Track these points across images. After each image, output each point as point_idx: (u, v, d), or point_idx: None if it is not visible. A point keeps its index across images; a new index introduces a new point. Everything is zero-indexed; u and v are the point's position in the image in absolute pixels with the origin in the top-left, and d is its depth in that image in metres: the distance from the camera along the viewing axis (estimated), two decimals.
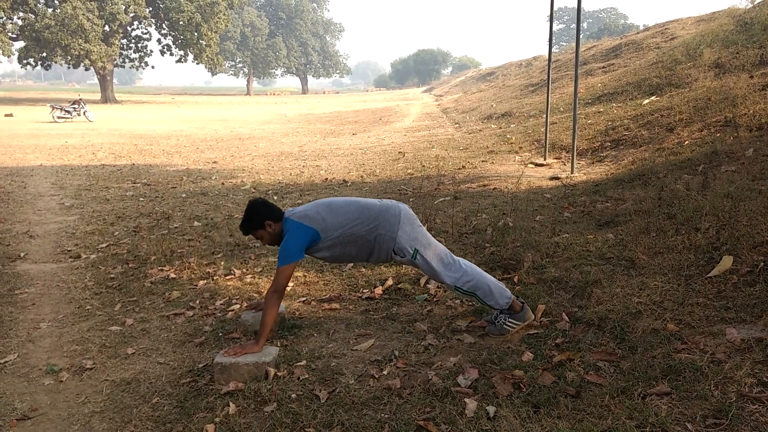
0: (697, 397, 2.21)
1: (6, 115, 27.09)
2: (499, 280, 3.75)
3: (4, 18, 38.58)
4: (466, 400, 2.42)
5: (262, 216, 3.09)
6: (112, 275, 4.72)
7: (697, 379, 2.33)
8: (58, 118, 24.53)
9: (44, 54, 40.41)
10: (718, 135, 6.63)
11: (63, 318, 3.89)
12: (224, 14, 45.71)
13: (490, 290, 3.04)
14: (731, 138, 6.27)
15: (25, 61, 41.12)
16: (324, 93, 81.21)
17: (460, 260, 3.15)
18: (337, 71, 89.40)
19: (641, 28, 29.83)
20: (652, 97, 10.55)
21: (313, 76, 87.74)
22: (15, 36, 39.68)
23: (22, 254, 5.44)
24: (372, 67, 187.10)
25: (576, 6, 7.81)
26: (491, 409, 2.33)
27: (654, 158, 6.80)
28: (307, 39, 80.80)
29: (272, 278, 3.71)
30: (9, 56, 39.90)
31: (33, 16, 38.66)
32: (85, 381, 3.00)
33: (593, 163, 8.12)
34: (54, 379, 3.02)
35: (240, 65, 76.44)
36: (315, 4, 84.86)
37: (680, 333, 2.74)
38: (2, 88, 79.81)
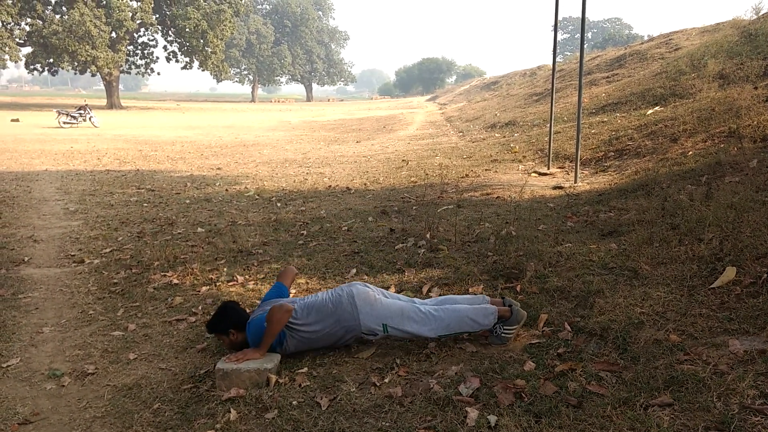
0: (700, 409, 2.20)
1: (12, 120, 27.25)
2: (501, 289, 3.76)
3: (12, 23, 38.92)
4: (467, 409, 2.42)
5: (227, 323, 3.14)
6: (115, 280, 4.73)
7: (699, 391, 2.32)
8: (64, 123, 24.66)
9: (51, 60, 40.69)
10: (722, 146, 6.63)
11: (66, 322, 3.90)
12: (230, 22, 46.01)
13: (473, 320, 3.04)
14: (735, 149, 6.27)
15: (32, 67, 41.41)
16: (328, 101, 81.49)
17: (430, 307, 3.13)
18: (342, 79, 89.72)
19: (646, 38, 29.89)
20: (656, 108, 10.56)
21: (317, 83, 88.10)
22: (23, 41, 40.01)
23: (26, 258, 5.46)
24: (376, 75, 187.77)
25: (580, 16, 7.84)
26: (492, 419, 2.32)
27: (657, 168, 6.79)
28: (312, 47, 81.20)
29: (271, 283, 3.71)
30: (17, 62, 40.25)
31: (41, 22, 38.99)
32: (86, 386, 3.00)
33: (597, 172, 8.12)
34: (56, 384, 3.03)
35: (245, 72, 76.82)
36: (320, 12, 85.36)
37: (683, 344, 2.73)
38: (9, 94, 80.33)
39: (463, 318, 3.04)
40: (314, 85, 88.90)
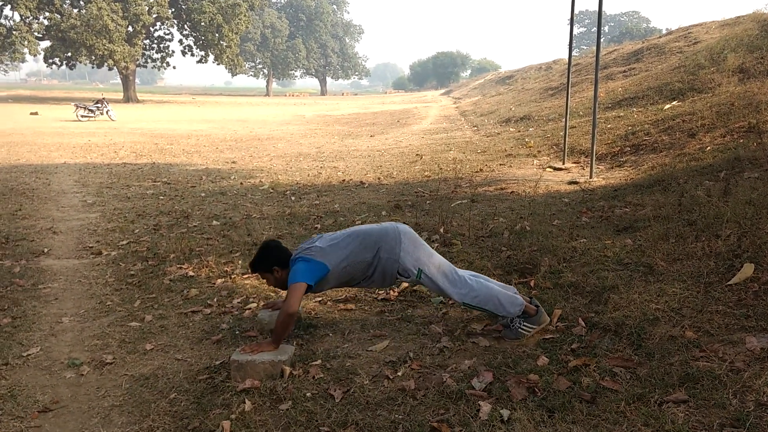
0: (715, 406, 2.19)
1: (31, 114, 27.64)
2: (515, 284, 3.75)
3: (31, 18, 39.39)
4: (480, 403, 2.42)
5: (271, 261, 3.15)
6: (132, 272, 4.80)
7: (715, 387, 2.30)
8: (82, 116, 24.95)
9: (69, 54, 41.14)
10: (741, 141, 6.53)
11: (84, 313, 3.97)
12: (245, 15, 46.13)
13: (500, 301, 3.04)
14: (755, 144, 6.17)
15: (50, 61, 41.91)
16: (342, 94, 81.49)
17: (466, 274, 3.15)
18: (356, 73, 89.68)
19: (664, 32, 29.48)
20: (674, 102, 10.43)
21: (331, 77, 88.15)
22: (41, 36, 40.49)
23: (45, 250, 5.55)
24: (390, 69, 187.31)
25: (597, 9, 7.76)
26: (505, 413, 2.32)
27: (675, 164, 6.72)
28: (326, 41, 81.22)
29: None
30: (35, 55, 40.75)
31: (59, 17, 39.41)
32: (105, 375, 3.06)
33: (612, 167, 8.05)
34: (75, 373, 3.09)
35: (260, 66, 77.09)
36: (335, 6, 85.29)
37: (699, 340, 2.71)
38: (28, 87, 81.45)
39: (492, 296, 3.05)
40: (328, 79, 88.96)
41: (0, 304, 4.07)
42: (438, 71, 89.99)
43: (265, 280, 3.25)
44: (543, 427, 2.22)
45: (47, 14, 39.62)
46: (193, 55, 48.82)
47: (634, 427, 2.13)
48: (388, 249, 3.06)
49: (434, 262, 3.11)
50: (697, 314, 2.98)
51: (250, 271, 3.25)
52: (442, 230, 5.15)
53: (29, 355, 3.31)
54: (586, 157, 8.91)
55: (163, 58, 49.58)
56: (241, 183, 9.38)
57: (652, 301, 3.18)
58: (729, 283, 3.22)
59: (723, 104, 8.49)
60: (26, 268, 4.96)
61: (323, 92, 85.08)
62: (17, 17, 39.29)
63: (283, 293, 3.19)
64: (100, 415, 2.68)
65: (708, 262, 3.53)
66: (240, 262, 4.86)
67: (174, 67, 52.09)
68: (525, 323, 3.05)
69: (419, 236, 3.22)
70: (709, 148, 6.85)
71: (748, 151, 5.90)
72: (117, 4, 40.23)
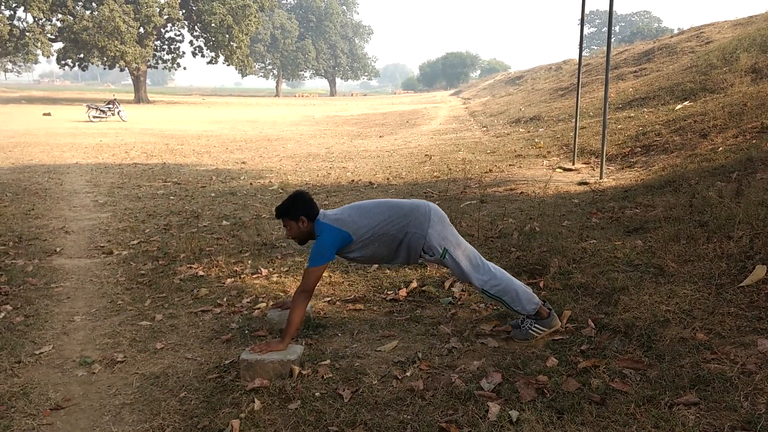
0: (726, 408, 2.18)
1: (44, 114, 27.92)
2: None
3: (44, 20, 39.81)
4: (489, 403, 2.42)
5: (300, 210, 3.09)
6: (142, 271, 4.83)
7: (726, 390, 2.28)
8: (94, 117, 25.16)
9: (81, 55, 41.55)
10: (754, 142, 6.47)
11: (96, 312, 4.00)
12: (255, 16, 46.34)
13: (518, 296, 3.02)
14: (767, 145, 6.11)
15: (63, 62, 42.34)
16: (352, 95, 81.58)
17: (490, 264, 3.14)
18: (366, 74, 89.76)
19: (675, 31, 29.25)
20: (686, 103, 10.35)
21: (341, 78, 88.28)
22: (54, 37, 40.90)
23: (58, 249, 5.61)
24: (400, 70, 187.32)
25: (608, 9, 7.71)
26: (514, 414, 2.32)
27: (686, 164, 6.67)
28: (336, 41, 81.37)
29: (299, 278, 3.77)
30: (48, 57, 41.16)
31: (71, 18, 39.80)
32: (116, 373, 3.08)
33: (623, 168, 8.00)
34: (87, 371, 3.12)
35: (269, 67, 77.38)
36: (344, 7, 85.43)
37: (710, 342, 2.69)
38: (41, 88, 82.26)
39: (512, 288, 3.03)
40: (338, 80, 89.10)
41: (13, 303, 4.11)
42: (447, 72, 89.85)
43: (287, 228, 3.17)
44: (552, 428, 2.21)
45: (60, 16, 40.04)
46: (203, 56, 49.11)
47: (644, 429, 2.11)
48: (416, 224, 3.04)
49: (461, 244, 3.10)
50: (709, 316, 2.96)
51: (275, 215, 3.18)
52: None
53: (42, 353, 3.34)
54: (596, 157, 8.86)
55: (173, 59, 49.92)
56: (251, 183, 9.42)
57: (662, 302, 3.16)
58: (741, 284, 3.20)
59: (735, 104, 8.42)
60: (39, 267, 5.01)
61: (332, 93, 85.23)
62: (30, 19, 39.74)
63: (291, 285, 3.19)
64: (111, 413, 2.70)
65: (719, 263, 3.51)
66: (250, 262, 4.89)
67: (184, 68, 52.43)
68: (536, 325, 3.03)
69: (448, 219, 3.20)
70: (721, 148, 6.80)
71: (761, 152, 5.84)
72: (128, 5, 40.57)
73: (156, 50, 47.77)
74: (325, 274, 4.40)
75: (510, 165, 9.66)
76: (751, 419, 2.08)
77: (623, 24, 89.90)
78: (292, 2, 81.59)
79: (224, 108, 39.98)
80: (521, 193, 7.11)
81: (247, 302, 3.97)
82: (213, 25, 44.16)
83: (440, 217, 3.10)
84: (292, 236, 3.17)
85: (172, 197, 8.28)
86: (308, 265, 3.00)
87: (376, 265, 4.50)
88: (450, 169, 9.72)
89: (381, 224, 3.05)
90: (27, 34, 39.07)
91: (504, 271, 3.16)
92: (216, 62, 48.79)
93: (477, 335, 3.17)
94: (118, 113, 25.66)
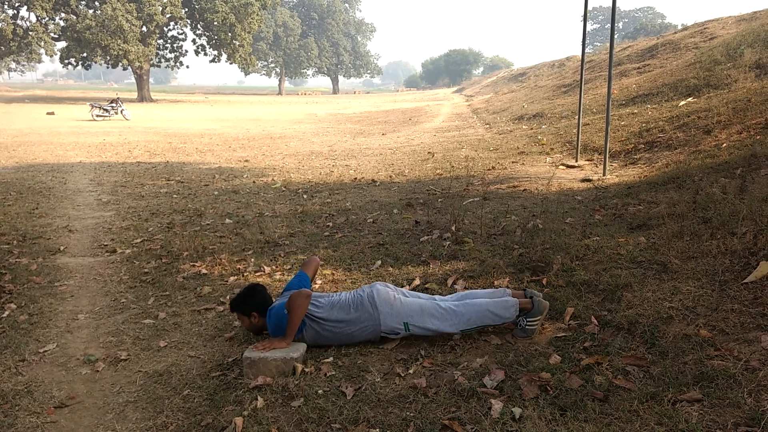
0: (730, 405, 2.17)
1: (48, 114, 27.99)
2: (527, 282, 3.74)
3: (47, 19, 39.88)
4: (491, 401, 2.42)
5: (252, 305, 3.23)
6: (146, 270, 4.85)
7: (730, 387, 2.28)
8: (97, 116, 25.22)
9: (85, 54, 41.59)
10: (758, 137, 6.44)
11: (99, 310, 4.02)
12: (257, 15, 46.31)
13: (494, 313, 3.03)
14: None
15: (66, 61, 42.39)
16: (354, 93, 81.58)
17: (451, 303, 3.13)
18: (368, 71, 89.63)
19: (679, 27, 29.13)
20: (689, 99, 10.31)
21: (344, 76, 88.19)
22: (57, 36, 40.97)
23: (61, 248, 5.62)
24: (403, 67, 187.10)
25: (611, 5, 7.68)
26: (517, 411, 2.32)
27: (689, 161, 6.64)
28: (338, 39, 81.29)
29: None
30: (52, 56, 41.24)
31: (74, 17, 39.87)
32: (120, 371, 3.09)
33: (626, 165, 7.98)
34: (90, 369, 3.13)
35: (272, 65, 77.31)
36: (347, 5, 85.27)
37: (713, 339, 2.68)
38: (45, 87, 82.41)
39: (484, 312, 3.04)
40: (340, 78, 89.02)
41: (17, 301, 4.13)
42: (450, 69, 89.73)
43: (239, 321, 3.33)
44: (555, 425, 2.21)
45: (63, 15, 40.11)
46: (206, 54, 49.11)
47: (648, 426, 2.11)
48: (368, 318, 3.07)
49: (417, 309, 3.08)
50: (712, 313, 2.95)
51: (230, 308, 3.35)
52: (453, 228, 5.14)
53: (46, 351, 3.36)
54: (599, 154, 8.83)
55: (176, 58, 49.94)
56: (254, 181, 9.43)
57: (665, 299, 3.15)
58: (745, 281, 3.18)
59: (739, 100, 8.38)
60: (43, 265, 5.03)
61: (335, 91, 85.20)
62: (33, 18, 39.82)
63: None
64: (114, 411, 2.71)
65: (723, 260, 3.49)
66: (252, 260, 4.89)
67: (187, 67, 52.48)
68: (528, 320, 3.04)
69: (390, 288, 3.20)
70: (725, 144, 6.77)
71: (765, 148, 5.81)
72: (131, 4, 40.59)
73: (159, 49, 47.79)
74: (328, 271, 4.40)
75: (513, 162, 9.64)
76: (755, 416, 2.07)
77: (626, 20, 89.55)
78: (294, 0, 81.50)
79: (227, 106, 40.00)
80: (524, 190, 7.10)
81: None
82: (215, 23, 44.16)
83: (385, 300, 3.09)
84: (246, 328, 3.31)
85: (175, 195, 8.30)
86: (276, 334, 3.06)
87: (379, 262, 4.50)
88: (453, 166, 9.71)
89: (332, 317, 3.09)
90: (30, 33, 39.15)
91: (467, 298, 3.16)
92: (219, 60, 48.81)
93: (479, 332, 3.16)
94: (122, 112, 25.71)
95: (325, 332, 3.09)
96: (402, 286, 3.97)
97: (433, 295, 3.41)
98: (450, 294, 3.80)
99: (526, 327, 3.04)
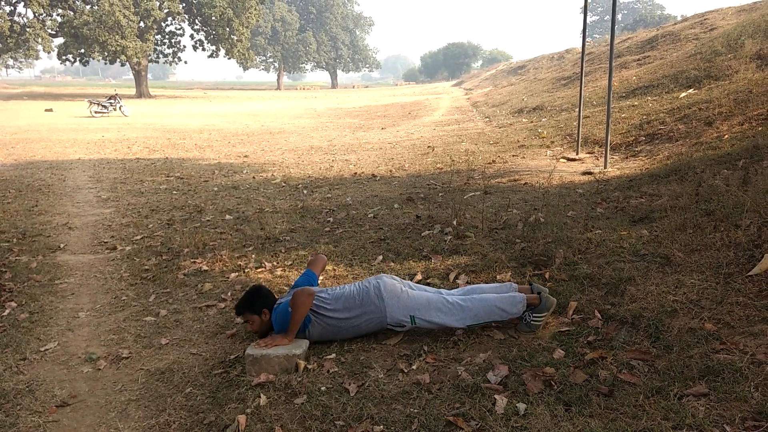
0: (736, 399, 2.15)
1: (46, 110, 27.90)
2: (530, 276, 3.72)
3: (44, 15, 39.71)
4: (496, 396, 2.40)
5: (261, 303, 3.17)
6: (146, 267, 4.83)
7: (736, 381, 2.26)
8: (96, 113, 25.15)
9: (82, 50, 41.43)
10: (760, 129, 6.41)
11: (100, 308, 4.00)
12: (255, 9, 46.15)
13: (501, 309, 3.02)
14: None
15: (64, 57, 42.24)
16: (353, 87, 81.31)
17: (457, 297, 3.11)
18: (367, 65, 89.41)
19: (679, 18, 29.01)
20: (690, 90, 10.26)
21: (342, 70, 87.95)
22: (54, 32, 40.80)
23: (61, 245, 5.60)
24: (401, 61, 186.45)
25: None
26: (521, 406, 2.30)
27: (691, 153, 6.61)
28: (336, 33, 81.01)
29: (302, 271, 3.75)
30: (49, 52, 41.10)
31: (72, 13, 39.69)
32: (121, 369, 3.08)
33: (627, 157, 7.95)
34: (92, 367, 3.12)
35: (270, 60, 77.07)
36: None
37: (718, 333, 2.66)
38: (43, 84, 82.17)
39: (491, 307, 3.02)
40: (339, 72, 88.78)
41: (18, 300, 4.11)
42: (449, 62, 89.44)
43: (248, 324, 3.24)
44: (560, 420, 2.19)
45: (60, 11, 39.92)
46: (204, 49, 48.99)
47: (654, 421, 2.09)
48: (372, 309, 3.06)
49: (424, 303, 3.06)
50: (717, 306, 2.93)
51: (235, 313, 3.28)
52: (455, 222, 5.12)
53: (47, 350, 3.34)
54: (600, 147, 8.80)
55: (174, 53, 49.80)
56: (254, 177, 9.40)
57: (669, 292, 3.13)
58: (749, 274, 3.17)
59: (741, 91, 8.34)
60: (43, 263, 5.01)
61: (334, 85, 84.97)
62: (30, 14, 39.66)
63: (294, 278, 3.21)
64: (117, 410, 2.70)
65: (727, 252, 3.47)
66: (253, 256, 4.87)
67: (185, 62, 52.31)
68: (534, 315, 3.02)
69: (397, 281, 3.18)
70: (726, 136, 6.74)
71: None
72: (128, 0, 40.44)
73: (157, 44, 47.64)
74: (330, 267, 4.39)
75: (513, 156, 9.61)
76: (762, 410, 2.06)
77: (626, 12, 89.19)
78: None
79: (226, 102, 39.90)
80: (525, 183, 7.08)
81: None
82: (213, 18, 44.00)
83: (392, 292, 3.07)
84: (255, 330, 3.21)
85: (174, 192, 8.27)
86: (281, 329, 3.04)
87: (381, 257, 4.49)
88: (453, 160, 9.68)
89: (337, 312, 3.07)
90: (27, 29, 38.96)
91: (475, 293, 3.14)
92: (217, 56, 48.67)
93: (483, 328, 3.15)
94: (120, 108, 25.64)
95: (331, 327, 3.07)
96: None
97: (438, 289, 3.39)
98: (453, 289, 3.78)
99: (531, 322, 3.02)
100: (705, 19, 18.17)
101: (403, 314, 3.04)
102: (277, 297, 3.32)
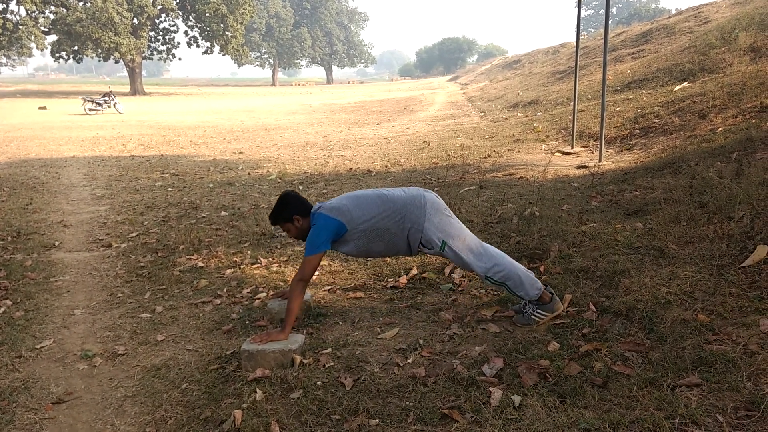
0: (729, 389, 2.17)
1: (40, 108, 27.77)
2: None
3: (37, 12, 39.46)
4: (491, 389, 2.42)
5: (291, 210, 3.11)
6: (142, 264, 4.82)
7: (728, 371, 2.28)
8: (90, 110, 25.05)
9: (76, 47, 41.23)
10: (754, 121, 6.43)
11: (96, 305, 3.99)
12: (249, 5, 45.95)
13: (521, 281, 3.00)
14: (767, 124, 6.08)
15: (57, 55, 42.04)
16: (348, 83, 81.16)
17: (491, 249, 3.10)
18: (362, 61, 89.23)
19: (673, 12, 29.04)
20: (684, 83, 10.28)
21: (337, 66, 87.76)
22: (47, 30, 40.57)
23: (56, 243, 5.59)
24: (397, 56, 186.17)
25: None
26: (516, 399, 2.32)
27: (685, 146, 6.64)
28: (331, 29, 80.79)
29: (298, 267, 3.76)
30: (42, 50, 40.89)
31: (65, 10, 39.45)
32: (117, 366, 3.08)
33: (622, 151, 7.97)
34: (88, 364, 3.11)
35: (265, 56, 76.83)
36: None
37: (711, 324, 2.68)
38: (36, 82, 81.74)
39: (515, 272, 3.00)
40: (334, 68, 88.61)
41: (13, 298, 4.10)
42: (444, 57, 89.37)
43: (287, 231, 3.19)
44: (555, 412, 2.21)
45: (53, 8, 39.70)
46: (198, 46, 48.77)
47: (647, 411, 2.11)
48: (412, 219, 3.01)
49: (460, 234, 3.05)
50: (710, 297, 2.95)
51: (270, 223, 3.21)
52: None
53: (42, 347, 3.34)
54: (594, 140, 8.82)
55: (168, 50, 49.60)
56: (249, 173, 9.39)
57: (663, 284, 3.15)
58: (742, 265, 3.19)
59: (735, 84, 8.36)
60: (38, 261, 5.00)
61: (329, 81, 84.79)
62: (23, 12, 39.42)
63: (291, 274, 3.18)
64: (113, 406, 2.70)
65: (720, 244, 3.49)
66: (249, 252, 4.87)
67: (180, 59, 52.13)
68: (538, 310, 3.02)
69: (443, 203, 3.15)
70: (720, 129, 6.76)
71: (761, 132, 5.80)
72: None
73: (150, 41, 47.43)
74: (325, 262, 4.39)
75: (509, 150, 9.62)
76: (755, 400, 2.07)
77: (620, 5, 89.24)
78: None
79: (221, 98, 39.77)
80: (520, 177, 7.09)
81: (247, 292, 3.96)
82: (207, 14, 43.80)
83: (437, 208, 3.06)
84: (293, 237, 3.19)
85: (170, 189, 8.25)
86: (305, 254, 3.00)
87: None
88: (448, 155, 9.69)
89: (376, 217, 3.03)
90: (20, 27, 38.75)
91: (506, 255, 3.13)
92: (211, 52, 48.46)
93: (478, 321, 3.16)
94: (114, 105, 25.55)
95: (366, 230, 3.02)
96: (399, 276, 3.97)
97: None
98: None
99: (533, 316, 3.02)
100: (699, 12, 18.18)
101: (437, 235, 3.00)
102: (314, 203, 3.21)
